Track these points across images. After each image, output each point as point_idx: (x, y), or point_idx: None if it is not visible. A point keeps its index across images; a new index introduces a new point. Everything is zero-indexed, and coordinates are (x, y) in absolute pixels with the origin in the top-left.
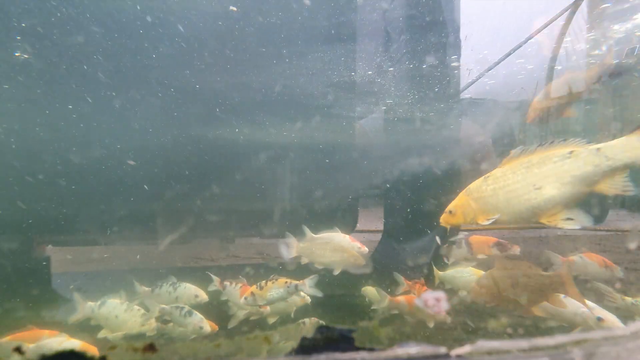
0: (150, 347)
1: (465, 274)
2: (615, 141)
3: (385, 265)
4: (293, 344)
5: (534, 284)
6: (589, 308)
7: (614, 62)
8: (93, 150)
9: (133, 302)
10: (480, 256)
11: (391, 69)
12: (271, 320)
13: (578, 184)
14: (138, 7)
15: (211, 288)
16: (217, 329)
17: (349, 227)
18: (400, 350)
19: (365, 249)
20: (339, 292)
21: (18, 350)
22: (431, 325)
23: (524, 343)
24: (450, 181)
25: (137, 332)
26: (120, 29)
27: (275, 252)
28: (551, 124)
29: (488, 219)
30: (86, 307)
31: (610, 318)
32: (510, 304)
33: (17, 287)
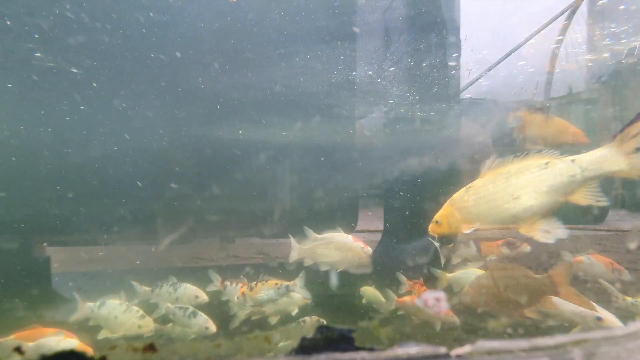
0: (150, 347)
1: (472, 275)
2: (591, 152)
3: (385, 266)
4: (293, 343)
5: (525, 287)
6: (589, 308)
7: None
8: (93, 150)
9: (132, 303)
10: (489, 257)
11: (391, 69)
12: (273, 321)
13: (554, 193)
14: (138, 8)
15: (210, 288)
16: (215, 329)
17: (350, 227)
18: (400, 350)
19: (369, 249)
20: (339, 292)
21: (18, 350)
22: (438, 327)
23: (524, 343)
24: (450, 181)
25: (135, 333)
26: (120, 29)
27: (275, 252)
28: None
29: (470, 228)
30: (85, 307)
31: (610, 318)
32: (503, 307)
33: (17, 287)
